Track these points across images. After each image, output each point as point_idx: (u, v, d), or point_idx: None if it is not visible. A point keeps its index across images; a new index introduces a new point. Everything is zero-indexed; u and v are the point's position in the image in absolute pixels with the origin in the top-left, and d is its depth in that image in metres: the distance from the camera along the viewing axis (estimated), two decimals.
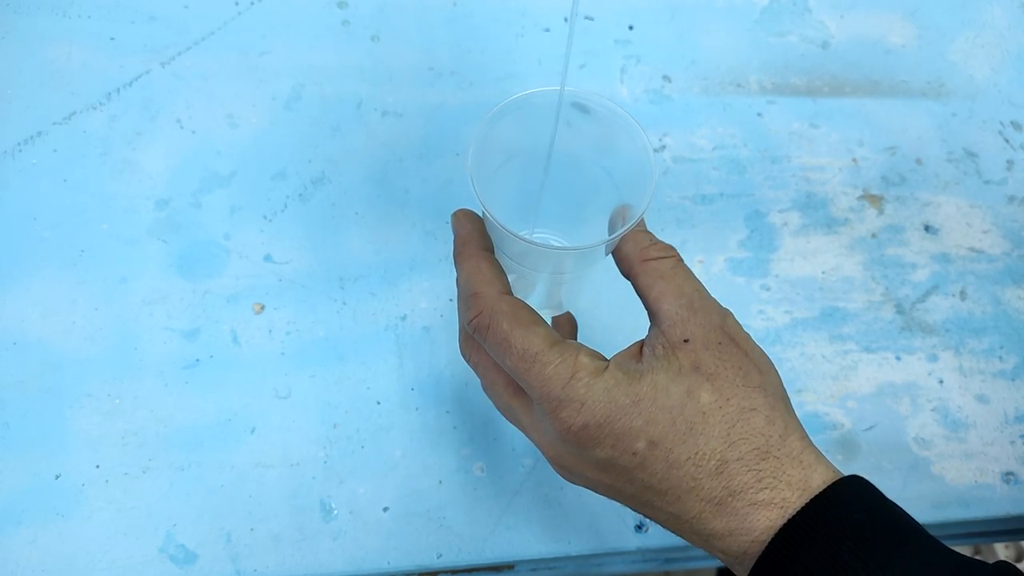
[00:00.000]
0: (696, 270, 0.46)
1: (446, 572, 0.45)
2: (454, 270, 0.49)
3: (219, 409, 0.46)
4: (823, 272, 0.54)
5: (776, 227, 0.55)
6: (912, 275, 0.55)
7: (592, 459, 0.33)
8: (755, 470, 0.32)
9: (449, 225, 0.39)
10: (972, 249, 0.57)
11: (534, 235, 0.42)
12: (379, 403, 0.47)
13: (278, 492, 0.45)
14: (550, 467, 0.44)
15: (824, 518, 0.31)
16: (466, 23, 0.60)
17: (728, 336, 0.34)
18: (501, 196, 0.38)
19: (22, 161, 0.51)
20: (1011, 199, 0.59)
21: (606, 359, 0.34)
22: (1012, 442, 0.51)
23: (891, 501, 0.33)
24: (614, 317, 0.51)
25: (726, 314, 0.35)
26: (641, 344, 0.35)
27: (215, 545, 0.43)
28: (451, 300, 0.50)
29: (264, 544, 0.43)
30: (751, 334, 0.36)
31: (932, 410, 0.51)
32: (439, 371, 0.48)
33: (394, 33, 0.59)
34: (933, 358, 0.53)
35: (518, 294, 0.38)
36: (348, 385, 0.48)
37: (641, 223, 0.37)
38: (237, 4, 0.58)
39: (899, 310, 0.54)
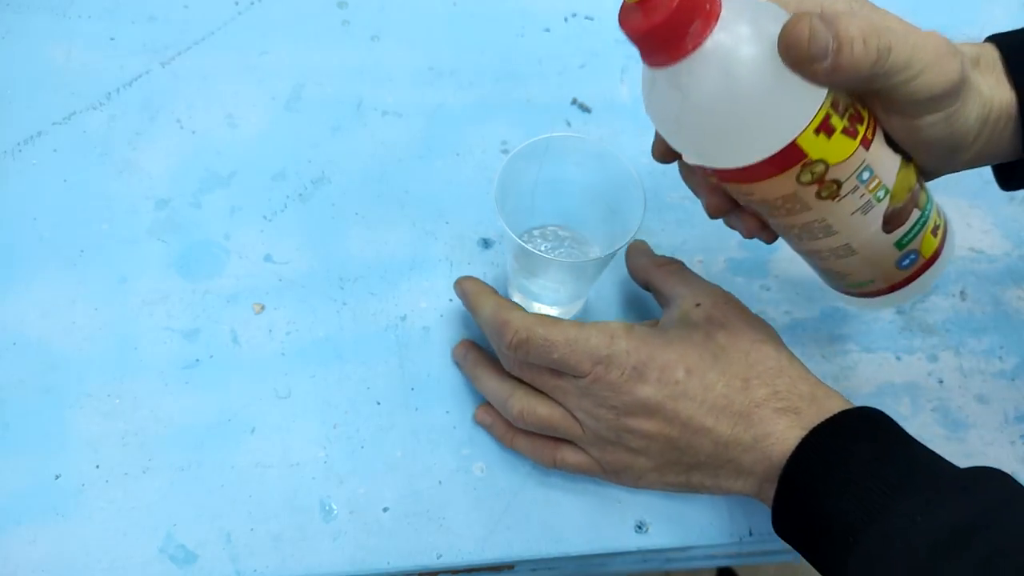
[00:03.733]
0: (696, 270, 0.46)
1: (446, 572, 0.45)
2: (454, 271, 0.50)
3: (219, 409, 0.46)
4: None
5: None
6: None
7: (642, 401, 0.39)
8: (771, 385, 0.40)
9: (449, 224, 0.47)
10: (972, 249, 0.57)
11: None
12: (379, 403, 0.47)
13: (278, 492, 0.45)
14: (549, 469, 0.44)
15: (841, 425, 0.38)
16: (466, 23, 0.60)
17: (731, 299, 0.44)
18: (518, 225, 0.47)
19: (22, 161, 0.51)
20: (1011, 199, 0.59)
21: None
22: (1012, 442, 0.51)
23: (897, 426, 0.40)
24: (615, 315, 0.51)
25: (727, 292, 0.44)
26: (657, 321, 0.44)
27: (215, 545, 0.43)
28: (451, 300, 0.50)
29: (264, 544, 0.43)
30: None
31: (932, 410, 0.51)
32: (439, 371, 0.48)
33: (394, 33, 0.59)
34: (933, 358, 0.53)
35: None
36: (348, 385, 0.48)
37: (645, 245, 0.48)
38: (237, 4, 0.58)
39: (899, 310, 0.54)
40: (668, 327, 0.42)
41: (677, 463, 0.41)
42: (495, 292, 0.44)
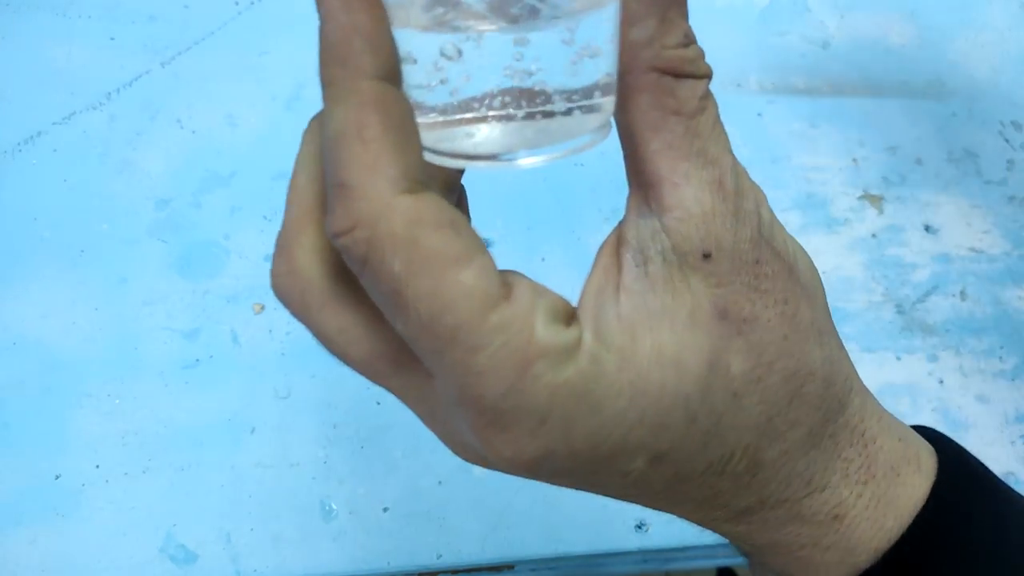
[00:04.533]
0: None
1: (446, 572, 0.45)
2: None
3: (219, 409, 0.46)
4: (823, 272, 0.54)
5: None
6: (912, 275, 0.55)
7: (546, 479, 0.21)
8: (798, 471, 0.22)
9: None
10: (972, 249, 0.57)
11: None
12: (379, 403, 0.47)
13: (278, 492, 0.45)
14: None
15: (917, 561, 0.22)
16: None
17: (768, 244, 0.21)
18: None
19: (22, 161, 0.51)
20: (1011, 199, 0.59)
21: (572, 309, 0.20)
22: (1012, 442, 0.51)
23: (1000, 483, 0.24)
24: None
25: (760, 198, 0.21)
26: (617, 245, 0.21)
27: (215, 545, 0.43)
28: None
29: (264, 544, 0.43)
30: None
31: (932, 410, 0.51)
32: None
33: None
34: (933, 358, 0.53)
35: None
36: (348, 385, 0.48)
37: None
38: (237, 4, 0.58)
39: (899, 310, 0.54)
40: (637, 322, 0.19)
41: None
42: (384, 71, 0.18)
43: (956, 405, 0.51)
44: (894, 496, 0.22)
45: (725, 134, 0.20)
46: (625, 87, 0.20)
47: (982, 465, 0.24)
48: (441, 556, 0.44)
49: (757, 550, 0.24)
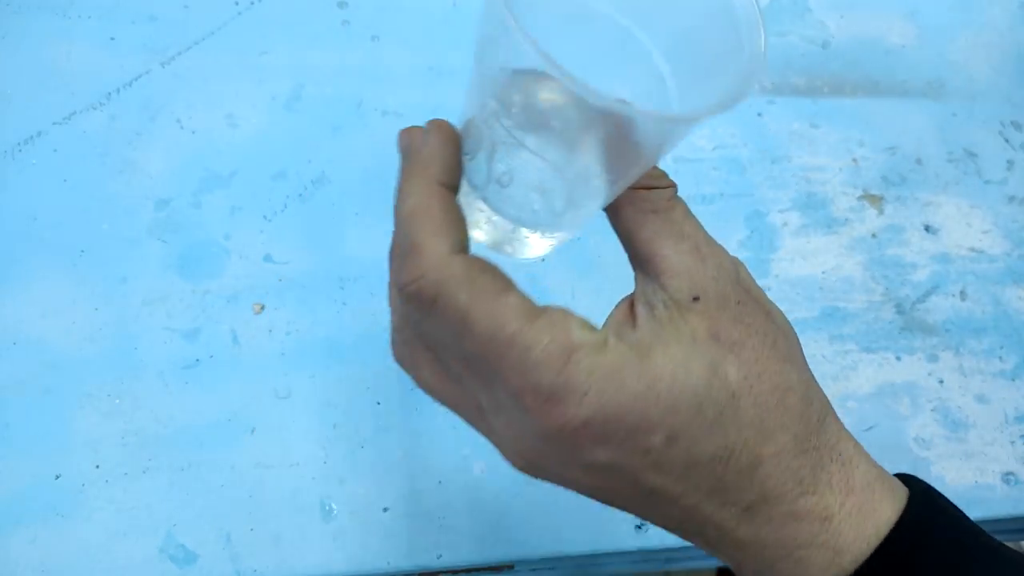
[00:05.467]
0: None
1: (446, 572, 0.45)
2: None
3: (219, 409, 0.46)
4: (823, 272, 0.54)
5: (776, 227, 0.55)
6: (912, 275, 0.55)
7: (587, 462, 0.26)
8: (792, 468, 0.26)
9: None
10: (972, 249, 0.57)
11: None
12: (379, 403, 0.47)
13: (278, 492, 0.45)
14: None
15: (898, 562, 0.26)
16: (466, 23, 0.60)
17: (745, 292, 0.27)
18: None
19: (22, 161, 0.51)
20: (1011, 199, 0.59)
21: (596, 327, 0.26)
22: (1012, 442, 0.51)
23: (968, 522, 0.28)
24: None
25: (737, 263, 0.28)
26: (631, 303, 0.27)
27: (215, 545, 0.43)
28: None
29: (264, 544, 0.43)
30: None
31: (932, 410, 0.51)
32: None
33: (394, 33, 0.59)
34: (933, 358, 0.53)
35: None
36: (348, 385, 0.48)
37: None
38: (237, 4, 0.58)
39: (899, 310, 0.54)
40: (652, 341, 0.26)
41: (630, 509, 0.29)
42: (445, 179, 0.27)
43: (956, 405, 0.51)
44: (871, 509, 0.26)
45: (696, 220, 0.27)
46: (615, 203, 0.27)
47: (945, 498, 0.29)
48: (441, 556, 0.44)
49: (762, 565, 0.27)
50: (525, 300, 0.25)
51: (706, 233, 0.27)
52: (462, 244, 0.26)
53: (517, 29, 0.21)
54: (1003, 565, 0.26)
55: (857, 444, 0.28)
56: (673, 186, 0.28)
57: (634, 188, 0.27)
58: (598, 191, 0.27)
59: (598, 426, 0.25)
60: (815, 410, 0.27)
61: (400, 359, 0.32)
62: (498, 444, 0.29)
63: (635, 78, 0.26)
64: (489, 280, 0.25)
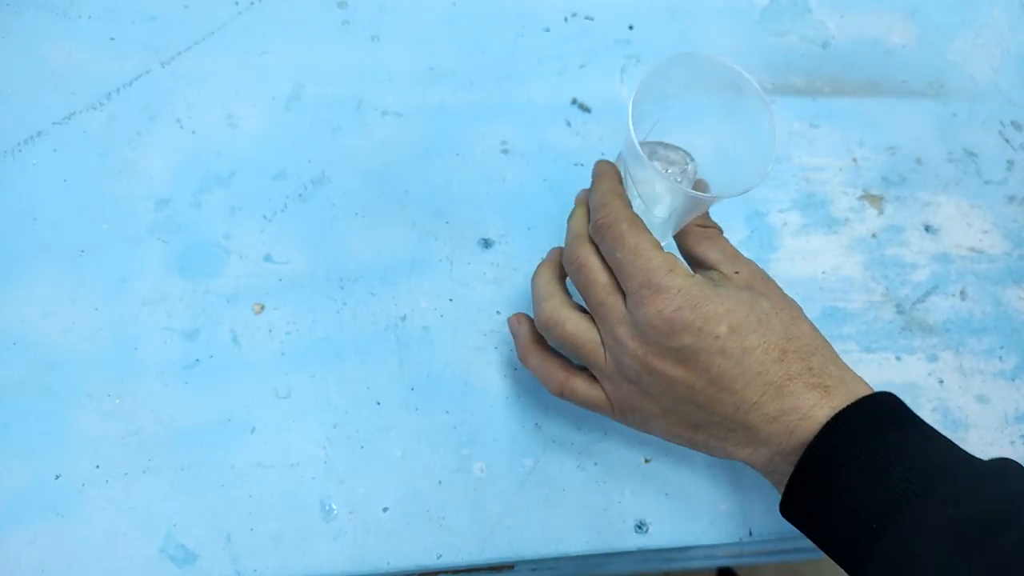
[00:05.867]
0: None
1: (446, 572, 0.45)
2: (454, 271, 0.49)
3: (219, 409, 0.46)
4: (823, 272, 0.54)
5: (776, 227, 0.55)
6: (912, 275, 0.55)
7: (676, 347, 0.39)
8: (806, 361, 0.39)
9: (449, 224, 0.47)
10: (972, 249, 0.57)
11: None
12: (379, 403, 0.47)
13: (278, 492, 0.45)
14: (549, 466, 0.44)
15: (868, 410, 0.38)
16: (466, 23, 0.60)
17: (766, 275, 0.43)
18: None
19: (22, 161, 0.51)
20: (1011, 199, 0.59)
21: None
22: (1012, 442, 0.51)
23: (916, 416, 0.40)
24: None
25: (762, 268, 0.44)
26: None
27: (215, 545, 0.43)
28: (451, 300, 0.50)
29: (264, 544, 0.43)
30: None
31: (932, 410, 0.51)
32: (439, 371, 0.48)
33: (394, 33, 0.59)
34: (933, 358, 0.53)
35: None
36: (348, 385, 0.48)
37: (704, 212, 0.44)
38: (237, 4, 0.58)
39: (899, 310, 0.54)
40: (715, 285, 0.41)
41: (689, 416, 0.41)
42: (618, 179, 0.44)
43: (956, 405, 0.51)
44: (855, 388, 0.39)
45: (728, 241, 0.44)
46: (681, 232, 0.45)
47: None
48: (441, 556, 0.44)
49: (784, 431, 0.39)
50: (656, 241, 0.41)
51: (733, 247, 0.44)
52: (630, 205, 0.42)
53: (649, 164, 0.41)
54: (943, 441, 0.38)
55: (849, 367, 0.41)
56: (718, 228, 0.45)
57: (695, 224, 0.44)
58: (671, 226, 0.45)
59: (686, 312, 0.38)
60: (818, 335, 0.41)
61: (552, 316, 0.43)
62: (615, 377, 0.42)
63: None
64: (640, 225, 0.41)
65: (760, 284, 0.42)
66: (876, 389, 0.39)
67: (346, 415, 0.47)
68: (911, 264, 0.55)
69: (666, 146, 0.45)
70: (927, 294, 0.55)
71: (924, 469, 0.36)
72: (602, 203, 0.42)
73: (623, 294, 0.41)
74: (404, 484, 0.45)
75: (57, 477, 0.44)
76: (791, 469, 0.38)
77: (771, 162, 0.40)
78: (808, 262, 0.55)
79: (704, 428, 0.41)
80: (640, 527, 0.46)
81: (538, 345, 0.45)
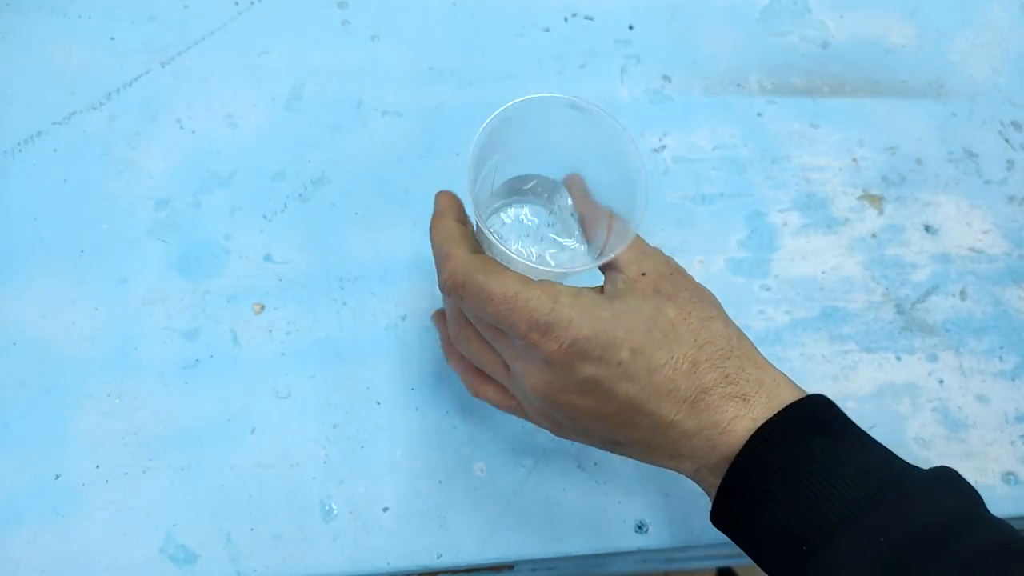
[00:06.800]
0: (696, 270, 0.46)
1: (446, 572, 0.45)
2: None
3: (219, 409, 0.46)
4: (823, 272, 0.54)
5: (776, 227, 0.55)
6: (912, 275, 0.55)
7: (579, 380, 0.36)
8: (721, 368, 0.37)
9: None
10: (972, 249, 0.57)
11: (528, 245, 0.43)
12: (379, 403, 0.47)
13: (278, 492, 0.45)
14: (549, 466, 0.44)
15: (794, 419, 0.36)
16: (466, 23, 0.60)
17: (676, 270, 0.40)
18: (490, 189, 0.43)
19: (22, 161, 0.51)
20: (1011, 199, 0.59)
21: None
22: (1012, 442, 0.51)
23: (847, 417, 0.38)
24: None
25: (669, 257, 0.41)
26: (601, 287, 0.39)
27: (215, 545, 0.43)
28: None
29: (264, 544, 0.43)
30: (751, 334, 0.40)
31: (932, 410, 0.51)
32: (439, 371, 0.48)
33: (394, 33, 0.59)
34: (933, 358, 0.53)
35: None
36: (348, 385, 0.48)
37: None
38: (237, 4, 0.58)
39: (899, 310, 0.54)
40: (614, 295, 0.38)
41: (606, 436, 0.39)
42: (459, 218, 0.40)
43: (956, 405, 0.51)
44: (777, 396, 0.37)
45: (642, 239, 0.41)
46: (586, 227, 0.43)
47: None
48: (441, 556, 0.44)
49: (707, 445, 0.37)
50: (522, 275, 0.37)
51: (646, 243, 0.41)
52: (476, 249, 0.38)
53: (499, 247, 0.38)
54: (875, 449, 0.37)
55: (767, 361, 0.39)
56: (608, 212, 0.41)
57: (593, 209, 0.42)
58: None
59: (582, 344, 0.35)
60: (733, 332, 0.39)
61: (455, 339, 0.41)
62: (523, 398, 0.40)
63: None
64: (496, 266, 0.37)
65: (667, 285, 0.38)
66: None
67: (346, 415, 0.47)
68: (911, 264, 0.55)
69: (526, 179, 0.43)
70: (927, 294, 0.55)
71: (854, 484, 0.34)
72: (443, 255, 0.38)
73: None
74: (404, 484, 0.45)
75: (57, 477, 0.44)
76: (719, 482, 0.37)
77: (643, 205, 0.38)
78: (808, 262, 0.55)
79: (625, 446, 0.39)
80: (640, 527, 0.46)
81: (454, 347, 0.43)
